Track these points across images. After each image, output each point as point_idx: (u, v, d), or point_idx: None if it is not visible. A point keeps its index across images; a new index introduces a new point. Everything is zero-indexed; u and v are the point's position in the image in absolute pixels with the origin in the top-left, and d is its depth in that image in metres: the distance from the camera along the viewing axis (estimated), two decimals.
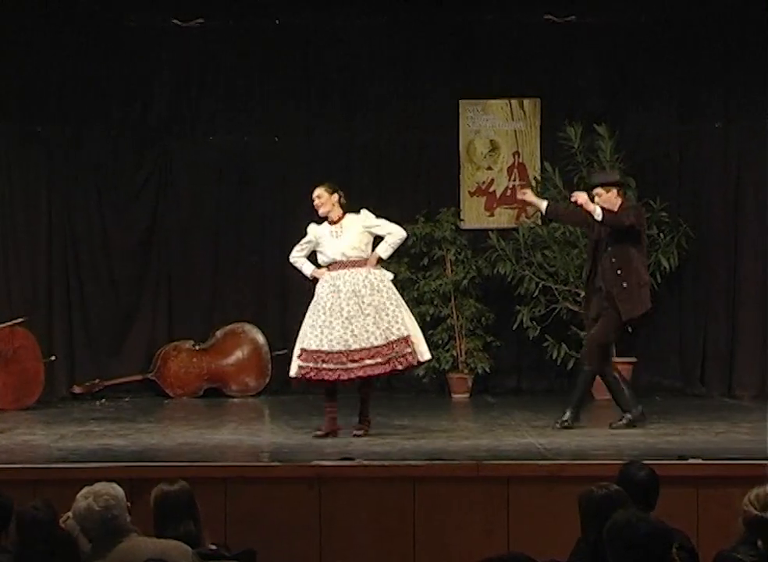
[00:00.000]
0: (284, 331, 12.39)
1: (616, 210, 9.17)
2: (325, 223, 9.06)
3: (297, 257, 9.23)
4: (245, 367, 12.17)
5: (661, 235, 11.88)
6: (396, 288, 12.04)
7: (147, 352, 12.17)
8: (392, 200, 12.46)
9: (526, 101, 12.41)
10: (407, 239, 11.96)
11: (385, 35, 12.43)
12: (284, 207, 12.47)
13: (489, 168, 12.46)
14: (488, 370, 12.05)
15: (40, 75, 11.96)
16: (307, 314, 8.93)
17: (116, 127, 12.29)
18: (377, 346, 8.71)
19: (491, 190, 12.45)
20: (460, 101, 12.43)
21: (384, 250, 9.03)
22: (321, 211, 9.03)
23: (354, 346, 8.67)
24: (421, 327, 11.93)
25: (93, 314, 12.11)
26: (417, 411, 10.58)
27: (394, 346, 8.77)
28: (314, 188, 9.08)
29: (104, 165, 12.27)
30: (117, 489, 4.73)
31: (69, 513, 5.17)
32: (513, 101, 12.42)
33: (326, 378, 8.71)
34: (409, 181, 12.52)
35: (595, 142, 11.88)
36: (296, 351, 8.85)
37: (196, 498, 5.17)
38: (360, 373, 8.71)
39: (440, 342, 12.11)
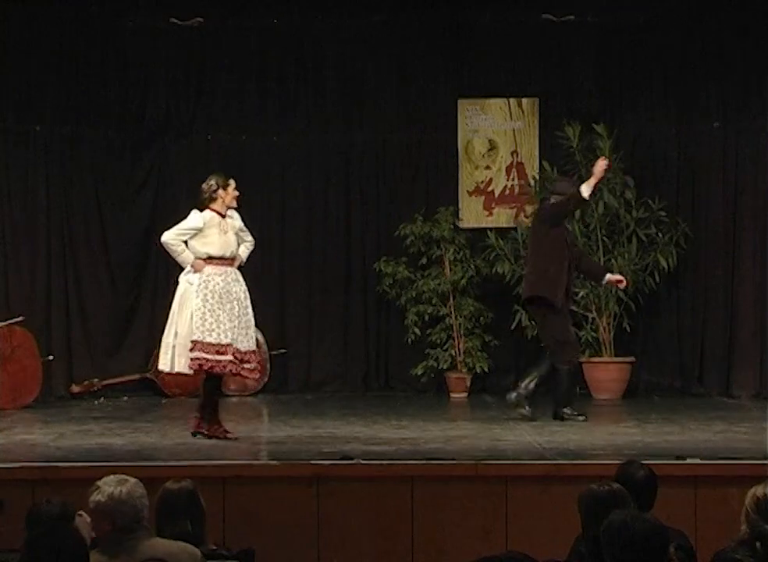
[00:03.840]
0: (283, 330, 12.42)
1: None
2: (212, 214, 8.89)
3: (179, 240, 8.87)
4: None
5: (659, 234, 11.89)
6: (395, 287, 12.16)
7: (146, 351, 12.13)
8: (391, 200, 12.49)
9: (524, 101, 12.41)
10: (406, 238, 12.10)
11: (383, 34, 12.42)
12: (282, 206, 12.48)
13: (488, 167, 12.46)
14: (486, 369, 12.05)
15: (39, 74, 11.95)
16: (194, 307, 8.64)
17: (114, 126, 12.28)
18: (253, 351, 8.81)
19: (489, 189, 12.45)
20: (458, 100, 12.43)
21: (246, 256, 9.08)
22: (234, 204, 8.97)
23: (240, 347, 8.69)
24: (419, 326, 12.07)
25: (91, 313, 12.10)
26: (415, 411, 10.58)
27: (255, 354, 8.88)
28: (231, 179, 8.98)
29: (102, 164, 12.25)
30: (139, 486, 4.72)
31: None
32: (512, 101, 12.42)
33: (222, 370, 8.71)
34: (407, 180, 12.52)
35: (593, 141, 11.89)
36: (185, 343, 8.62)
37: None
38: (244, 373, 8.79)
39: (438, 341, 12.11)
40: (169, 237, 8.88)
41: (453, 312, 12.11)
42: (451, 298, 12.12)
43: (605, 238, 11.89)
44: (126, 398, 11.83)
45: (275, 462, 7.56)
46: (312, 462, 7.38)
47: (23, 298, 11.78)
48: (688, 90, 12.24)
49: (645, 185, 12.08)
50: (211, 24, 12.37)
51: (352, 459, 7.42)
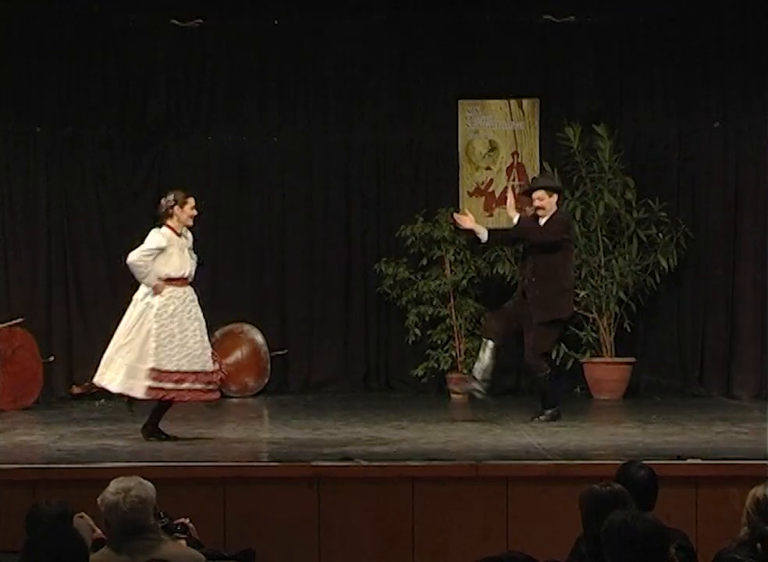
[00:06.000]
0: (283, 331, 12.42)
1: (551, 215, 9.79)
2: (169, 233, 8.68)
3: (147, 261, 8.55)
4: (244, 367, 12.17)
5: (660, 235, 11.89)
6: (395, 288, 12.16)
7: None
8: (391, 201, 12.49)
9: (525, 101, 12.41)
10: (406, 238, 12.09)
11: (384, 35, 12.42)
12: (282, 207, 12.48)
13: (488, 168, 12.46)
14: None
15: (39, 75, 11.94)
16: (156, 330, 8.50)
17: (114, 126, 12.28)
18: (214, 371, 8.69)
19: (490, 190, 12.44)
20: (459, 101, 12.43)
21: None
22: (190, 223, 8.79)
23: (206, 368, 8.58)
24: (420, 327, 12.06)
25: (91, 314, 12.08)
26: (415, 411, 10.58)
27: (216, 373, 8.74)
28: (191, 197, 8.81)
29: (103, 165, 12.25)
30: (148, 490, 4.70)
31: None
32: (513, 101, 12.42)
33: (182, 399, 8.62)
34: (408, 181, 12.52)
35: (594, 142, 11.89)
36: (135, 366, 8.52)
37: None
38: (204, 397, 8.68)
39: (439, 342, 12.10)
40: (137, 258, 8.57)
41: (453, 313, 12.11)
42: (452, 299, 12.11)
43: (605, 239, 11.89)
44: (126, 399, 11.80)
45: (275, 463, 7.55)
46: (313, 463, 7.38)
47: (23, 299, 11.77)
48: (688, 90, 12.23)
49: (646, 185, 12.07)
50: (211, 24, 12.37)
51: (352, 459, 7.42)
